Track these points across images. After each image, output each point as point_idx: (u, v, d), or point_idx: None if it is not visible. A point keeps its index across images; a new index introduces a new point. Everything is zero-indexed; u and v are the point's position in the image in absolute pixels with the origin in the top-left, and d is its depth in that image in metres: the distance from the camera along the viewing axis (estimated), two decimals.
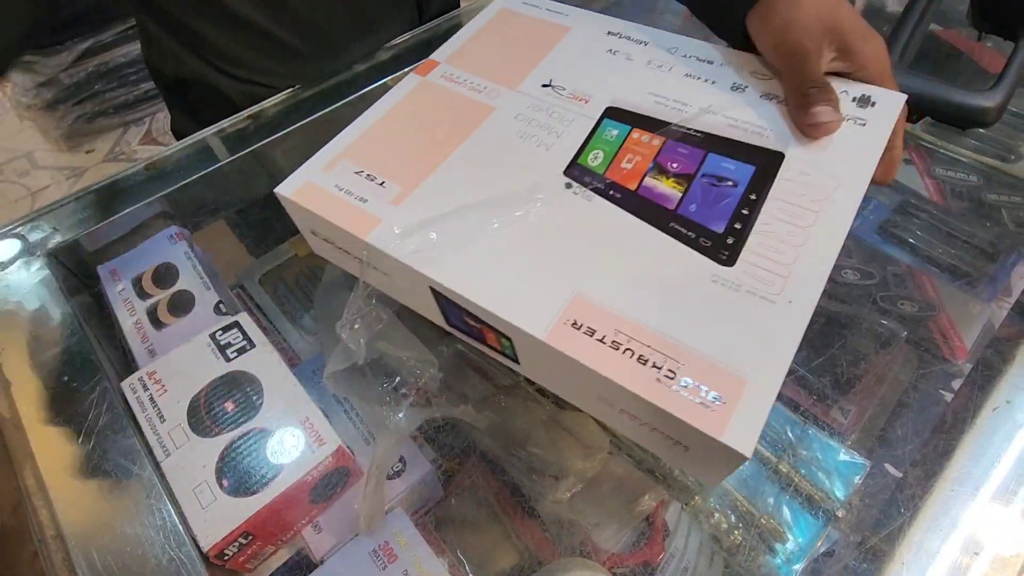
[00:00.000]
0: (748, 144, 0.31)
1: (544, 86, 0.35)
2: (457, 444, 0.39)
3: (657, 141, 0.32)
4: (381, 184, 0.31)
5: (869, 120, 0.31)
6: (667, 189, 0.30)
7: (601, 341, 0.25)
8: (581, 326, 0.25)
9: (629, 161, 0.31)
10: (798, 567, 0.36)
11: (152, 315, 0.37)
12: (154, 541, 0.27)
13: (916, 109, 0.40)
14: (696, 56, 0.35)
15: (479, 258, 0.28)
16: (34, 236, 0.40)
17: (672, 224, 0.28)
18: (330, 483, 0.31)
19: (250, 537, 0.28)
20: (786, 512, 0.38)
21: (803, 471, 0.40)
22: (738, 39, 0.34)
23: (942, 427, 0.33)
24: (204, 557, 0.27)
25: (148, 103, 1.92)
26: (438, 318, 0.32)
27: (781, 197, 0.29)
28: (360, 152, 0.33)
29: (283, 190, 0.32)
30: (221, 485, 0.28)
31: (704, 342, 0.24)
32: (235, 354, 0.33)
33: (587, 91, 0.35)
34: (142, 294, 0.38)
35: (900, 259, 0.51)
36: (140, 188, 0.43)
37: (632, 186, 0.30)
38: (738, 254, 0.27)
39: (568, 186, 0.30)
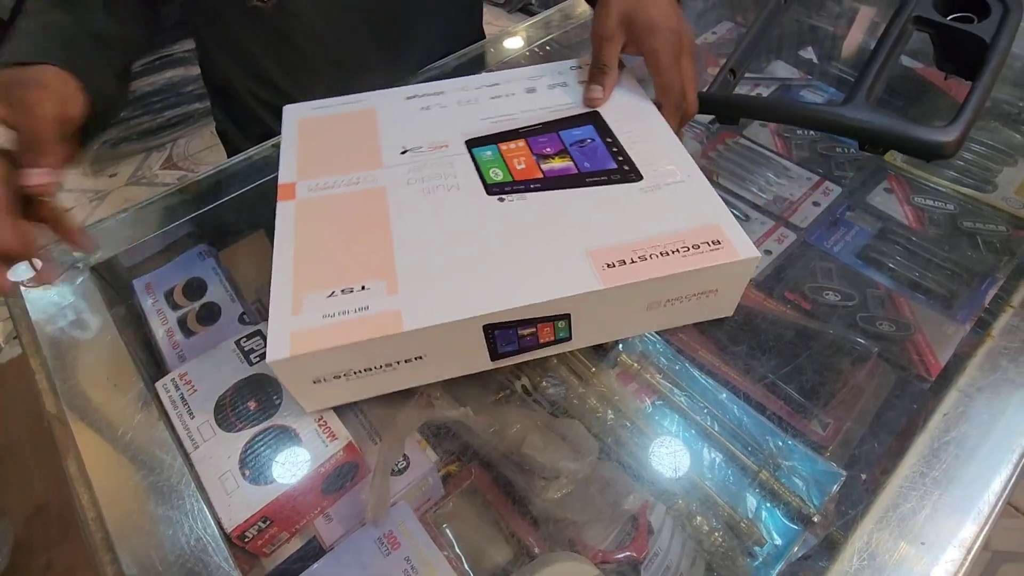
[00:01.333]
0: (572, 116, 0.41)
1: (403, 153, 0.39)
2: (455, 447, 0.42)
3: (521, 143, 0.39)
4: (364, 288, 0.31)
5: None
6: (561, 164, 0.38)
7: (633, 262, 0.32)
8: (614, 263, 0.32)
9: (519, 163, 0.38)
10: (776, 569, 0.38)
11: (182, 324, 0.41)
12: (183, 523, 0.30)
13: (882, 143, 0.43)
14: (483, 84, 0.44)
15: (499, 277, 0.32)
16: (79, 252, 0.44)
17: (587, 179, 0.37)
18: (340, 476, 0.34)
19: (268, 522, 0.31)
20: (765, 517, 0.41)
21: (783, 479, 0.42)
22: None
23: (907, 435, 0.36)
24: (227, 538, 0.30)
25: (170, 130, 2.00)
26: (482, 361, 0.34)
27: (620, 129, 0.40)
28: (310, 281, 0.32)
29: (276, 355, 0.29)
30: (244, 474, 0.32)
31: (679, 222, 0.34)
32: (257, 359, 0.37)
33: (438, 140, 0.39)
34: (174, 305, 0.42)
35: (879, 282, 0.54)
36: (173, 209, 0.47)
37: (539, 175, 0.37)
38: (639, 171, 0.37)
39: (500, 200, 0.36)
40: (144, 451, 0.33)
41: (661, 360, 0.48)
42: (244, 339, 0.38)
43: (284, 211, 0.36)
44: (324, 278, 0.32)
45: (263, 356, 0.37)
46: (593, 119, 0.41)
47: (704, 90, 0.46)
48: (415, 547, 0.32)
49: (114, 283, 0.44)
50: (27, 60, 0.33)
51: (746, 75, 0.56)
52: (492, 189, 0.36)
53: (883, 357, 0.49)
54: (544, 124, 0.41)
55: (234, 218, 0.50)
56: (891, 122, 0.41)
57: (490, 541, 0.38)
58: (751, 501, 0.41)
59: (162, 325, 0.41)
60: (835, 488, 0.42)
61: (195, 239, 0.47)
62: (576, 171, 0.37)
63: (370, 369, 0.31)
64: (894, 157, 0.63)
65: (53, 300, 0.41)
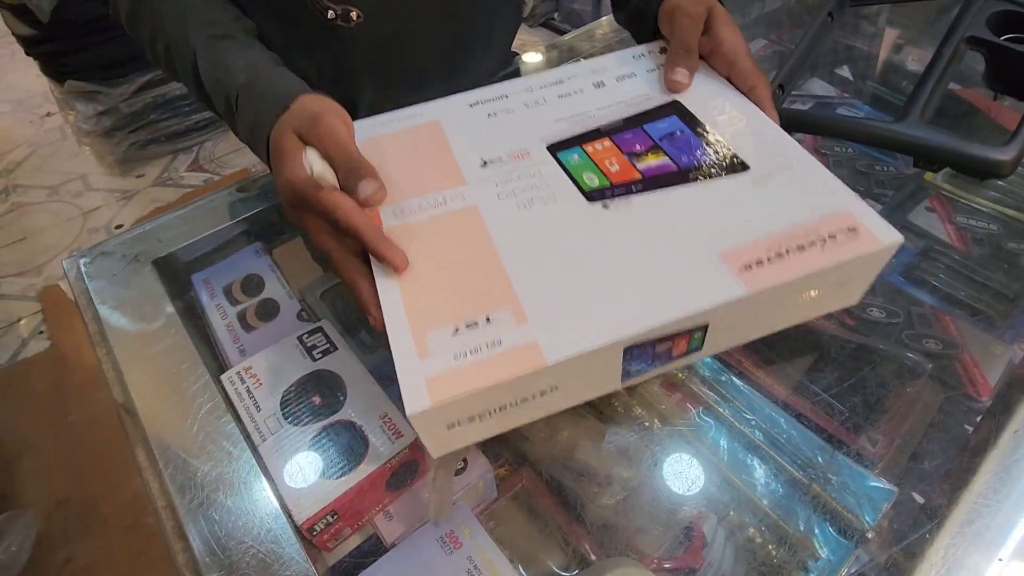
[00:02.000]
0: (653, 108, 0.39)
1: (483, 166, 0.36)
2: (505, 451, 0.42)
3: (607, 142, 0.37)
4: (489, 320, 0.29)
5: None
6: (657, 161, 0.35)
7: (771, 260, 0.29)
8: (751, 265, 0.29)
9: (612, 165, 0.35)
10: None
11: (242, 319, 0.42)
12: (253, 513, 0.31)
13: (937, 160, 0.43)
14: (547, 83, 0.42)
15: (633, 293, 0.29)
16: (140, 246, 0.45)
17: (691, 175, 0.34)
18: (404, 474, 0.34)
19: (336, 516, 0.32)
20: (817, 532, 0.40)
21: (833, 494, 0.42)
22: (651, 29, 0.44)
23: (966, 450, 0.36)
24: (297, 530, 0.30)
25: (197, 132, 2.04)
26: (612, 383, 0.32)
27: (708, 117, 0.37)
28: (428, 317, 0.29)
29: (417, 407, 0.26)
30: (312, 468, 0.32)
31: (805, 212, 0.31)
32: (320, 355, 0.37)
33: (517, 148, 0.37)
34: (232, 301, 0.43)
35: (924, 300, 0.54)
36: (231, 207, 0.48)
37: (637, 176, 0.35)
38: (743, 160, 0.34)
39: (605, 207, 0.33)
40: (212, 441, 0.33)
41: (705, 371, 0.48)
42: (307, 335, 0.38)
43: None
44: (442, 313, 0.29)
45: (326, 352, 0.37)
46: (676, 109, 0.38)
47: None
48: (477, 547, 0.32)
49: (173, 277, 0.45)
50: (289, 99, 0.35)
51: None
52: (592, 196, 0.34)
53: (931, 375, 0.49)
54: (625, 120, 0.38)
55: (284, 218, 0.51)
56: (948, 139, 0.42)
57: (543, 544, 0.38)
58: (803, 515, 0.41)
59: (222, 319, 0.42)
60: (887, 505, 0.41)
61: (249, 237, 0.48)
62: (676, 168, 0.35)
63: (505, 407, 0.29)
64: (934, 176, 0.64)
65: (117, 292, 0.41)
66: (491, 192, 0.34)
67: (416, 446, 0.33)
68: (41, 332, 1.43)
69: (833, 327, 0.52)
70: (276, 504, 0.31)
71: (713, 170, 0.34)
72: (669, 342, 0.30)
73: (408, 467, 0.34)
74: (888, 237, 0.30)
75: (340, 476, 0.32)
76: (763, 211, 0.32)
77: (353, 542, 0.35)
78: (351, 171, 0.31)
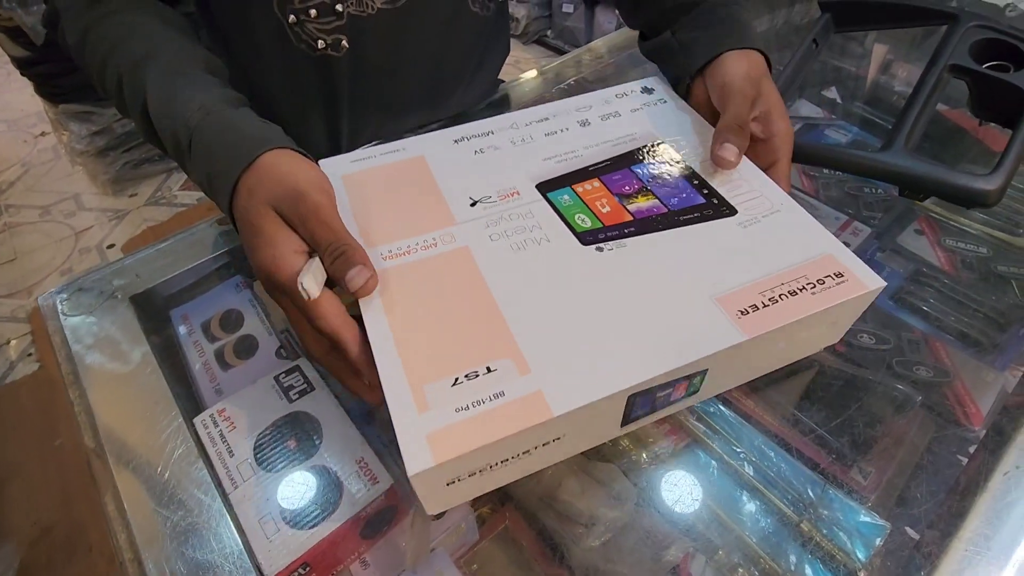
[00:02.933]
0: (639, 148, 0.39)
1: (472, 205, 0.35)
2: (488, 492, 0.41)
3: (596, 183, 0.37)
4: (489, 370, 0.28)
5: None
6: (647, 203, 0.35)
7: (766, 305, 0.30)
8: (747, 310, 0.30)
9: (603, 206, 0.35)
10: None
11: (219, 357, 0.41)
12: (222, 567, 0.30)
13: (923, 190, 0.43)
14: (532, 120, 0.42)
15: (634, 340, 0.29)
16: (118, 281, 0.44)
17: (680, 218, 0.34)
18: (380, 521, 0.33)
19: (308, 568, 0.31)
20: (808, 571, 0.39)
21: (824, 531, 0.41)
22: (684, 87, 0.43)
23: (956, 490, 0.35)
24: None
25: None
26: (612, 429, 0.31)
27: (694, 151, 0.38)
28: (425, 369, 0.28)
29: (418, 466, 0.25)
30: (284, 517, 0.31)
31: (793, 256, 0.32)
32: (296, 396, 0.36)
33: (506, 187, 0.36)
34: (211, 337, 0.42)
35: (914, 326, 0.54)
36: (211, 240, 0.47)
37: (629, 218, 0.35)
38: (730, 204, 0.35)
39: (599, 250, 0.33)
40: (183, 489, 0.32)
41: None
42: (283, 375, 0.37)
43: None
44: (440, 364, 0.28)
45: (302, 393, 0.36)
46: (663, 152, 0.39)
47: None
48: None
49: (151, 313, 0.44)
50: (253, 153, 0.32)
51: None
52: (586, 239, 0.33)
53: (922, 404, 0.48)
54: (612, 160, 0.38)
55: None
56: (932, 169, 0.41)
57: None
58: (793, 553, 0.40)
59: (199, 357, 0.41)
60: (879, 541, 0.40)
61: (229, 271, 0.47)
62: (666, 210, 0.35)
63: (507, 460, 0.28)
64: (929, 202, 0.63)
65: (92, 330, 0.41)
66: (482, 233, 0.34)
67: (393, 492, 0.32)
68: (30, 354, 1.41)
69: (822, 354, 0.51)
70: (246, 556, 0.30)
71: (701, 213, 0.35)
72: (670, 388, 0.30)
73: (384, 514, 0.33)
74: (872, 283, 0.31)
75: (313, 526, 0.31)
76: (753, 256, 0.32)
77: None
78: (339, 256, 0.29)
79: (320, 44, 0.47)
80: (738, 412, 0.47)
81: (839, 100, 0.79)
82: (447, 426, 0.26)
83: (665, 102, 0.43)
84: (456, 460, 0.25)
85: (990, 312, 0.54)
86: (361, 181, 0.37)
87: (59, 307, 0.42)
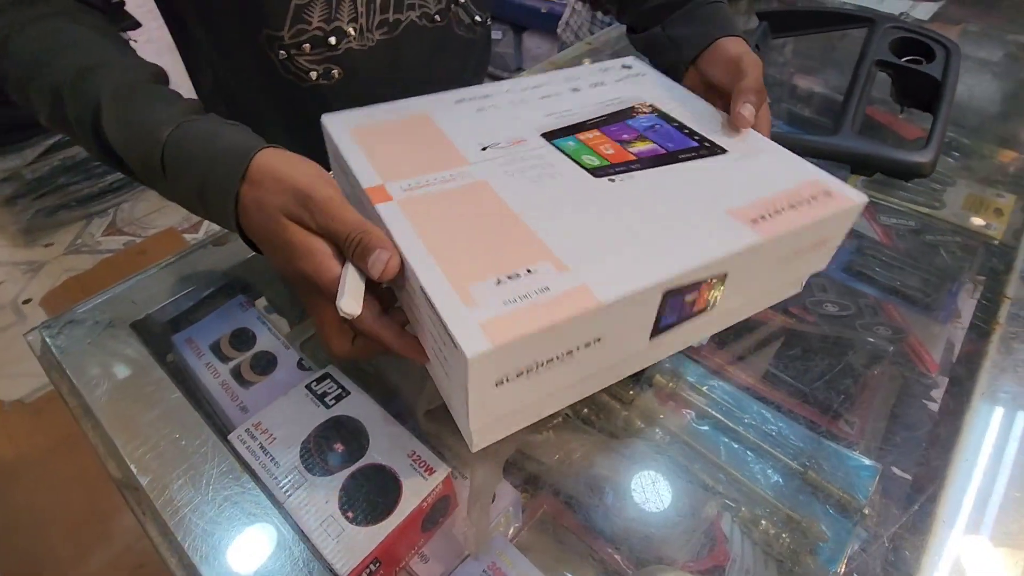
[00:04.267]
0: (630, 107, 0.43)
1: (483, 149, 0.36)
2: (523, 479, 0.42)
3: (597, 132, 0.40)
4: (530, 271, 0.28)
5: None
6: (645, 146, 0.38)
7: (772, 216, 0.33)
8: (757, 219, 0.32)
9: (607, 149, 0.38)
10: (840, 561, 0.40)
11: (237, 375, 0.40)
12: (294, 571, 0.29)
13: (871, 166, 0.49)
14: (527, 87, 0.45)
15: (663, 244, 0.31)
16: (112, 310, 0.42)
17: (678, 156, 0.38)
18: (438, 511, 0.33)
19: (378, 564, 0.30)
20: (820, 515, 0.43)
21: (827, 479, 0.45)
22: (679, 74, 0.48)
23: (935, 433, 0.40)
24: None
25: (113, 194, 1.92)
26: (642, 342, 0.32)
27: (680, 115, 0.42)
28: (465, 272, 0.28)
29: (477, 348, 0.25)
30: (347, 517, 0.31)
31: (786, 182, 0.36)
32: (333, 401, 0.36)
33: (512, 136, 0.38)
34: (222, 358, 0.41)
35: (868, 292, 0.60)
36: (208, 263, 0.46)
37: (632, 157, 0.37)
38: (719, 145, 0.39)
39: (611, 180, 0.35)
40: (232, 504, 0.31)
41: (691, 377, 0.51)
42: (314, 383, 0.37)
43: (388, 212, 0.31)
44: (480, 267, 0.28)
45: (338, 398, 0.36)
46: (652, 109, 0.42)
47: None
48: (522, 574, 0.32)
49: (150, 341, 0.42)
50: (244, 160, 0.30)
51: None
52: (597, 173, 0.35)
53: (887, 359, 0.54)
54: (607, 115, 0.41)
55: (268, 267, 0.49)
56: (878, 148, 0.47)
57: (576, 565, 0.38)
58: (804, 501, 0.43)
59: (214, 378, 0.40)
60: (875, 481, 0.45)
61: (231, 291, 0.46)
62: (665, 151, 0.38)
63: (551, 360, 0.28)
64: (856, 182, 0.71)
65: (95, 361, 0.39)
66: (498, 169, 0.35)
67: (449, 481, 0.33)
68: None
69: (798, 324, 0.57)
70: (314, 561, 0.30)
71: (696, 153, 0.38)
72: (696, 291, 0.31)
73: (440, 505, 0.33)
74: (857, 198, 0.35)
75: (377, 522, 0.31)
76: (750, 182, 0.36)
77: None
78: (357, 246, 0.29)
79: (312, 75, 0.48)
80: (734, 383, 0.51)
81: (768, 100, 0.87)
82: (498, 316, 0.26)
83: (645, 75, 0.47)
84: (512, 345, 0.25)
85: (925, 275, 0.62)
86: (371, 132, 0.38)
87: (49, 343, 0.40)
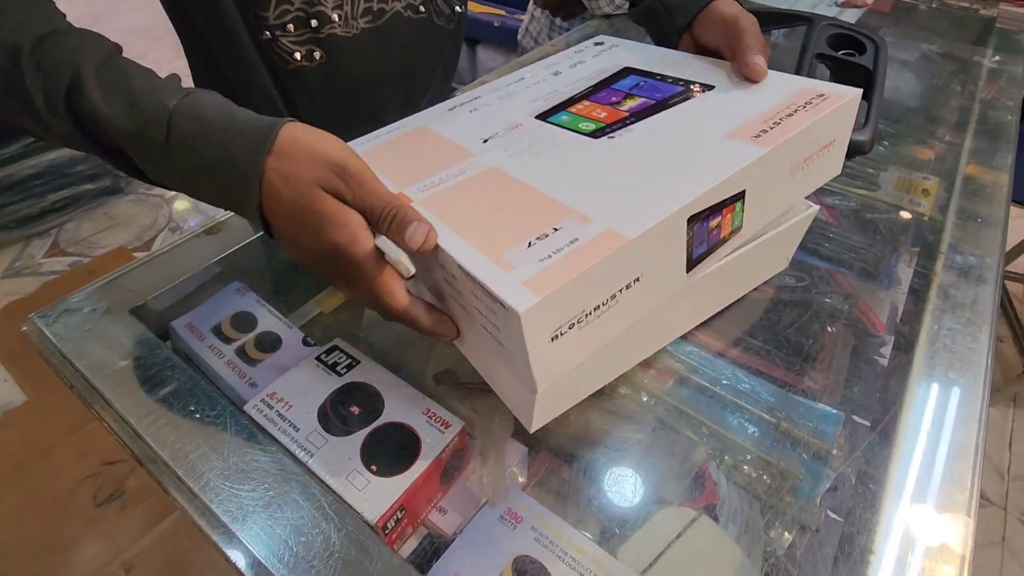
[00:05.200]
0: (611, 75, 0.45)
1: (485, 141, 0.38)
2: (521, 439, 0.44)
3: (587, 102, 0.42)
4: (557, 229, 0.29)
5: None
6: (637, 102, 0.41)
7: (772, 128, 0.35)
8: (759, 134, 0.34)
9: (599, 114, 0.40)
10: (817, 495, 0.44)
11: (242, 354, 0.41)
12: (320, 524, 0.30)
13: None
14: (511, 82, 0.47)
15: (676, 175, 0.32)
16: (108, 298, 0.42)
17: (669, 102, 0.40)
18: (454, 465, 0.35)
19: (404, 511, 0.32)
20: (794, 459, 0.47)
21: (797, 427, 0.49)
22: (672, 41, 0.51)
23: (887, 380, 0.45)
24: (372, 531, 0.30)
25: (55, 214, 1.84)
26: (679, 275, 0.33)
27: (660, 69, 0.44)
28: (498, 243, 0.29)
29: (526, 303, 0.26)
30: (371, 470, 0.32)
31: (780, 96, 0.38)
32: (345, 370, 0.38)
33: (509, 124, 0.40)
34: (225, 339, 0.42)
35: (820, 265, 0.66)
36: (202, 251, 0.47)
37: (626, 114, 0.39)
38: (706, 83, 0.41)
39: (610, 138, 0.37)
40: (257, 468, 0.32)
41: (672, 348, 0.54)
42: (324, 354, 0.38)
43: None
44: (508, 236, 0.29)
45: (349, 367, 0.38)
46: (631, 71, 0.45)
47: None
48: (538, 517, 0.34)
49: (149, 326, 0.43)
50: (271, 132, 0.30)
51: None
52: (595, 135, 0.37)
53: (841, 322, 0.60)
54: (593, 86, 0.43)
55: (262, 254, 0.50)
56: None
57: (581, 515, 0.41)
58: (779, 448, 0.47)
59: (219, 358, 0.40)
60: (839, 428, 0.49)
61: (227, 278, 0.47)
62: (655, 102, 0.40)
63: (598, 307, 0.29)
64: None
65: (97, 344, 0.39)
66: (503, 153, 0.36)
67: (464, 433, 0.35)
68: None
69: (758, 295, 0.61)
70: (343, 510, 0.31)
71: (686, 93, 0.40)
72: (719, 215, 0.33)
73: (456, 458, 0.35)
74: (850, 92, 0.37)
75: (401, 472, 0.32)
76: (744, 105, 0.38)
77: (410, 546, 0.35)
78: (393, 219, 0.29)
79: (296, 56, 0.49)
80: (710, 350, 0.55)
81: None
82: (538, 272, 0.27)
83: (617, 46, 0.50)
84: (557, 294, 0.26)
85: (867, 248, 0.68)
86: (376, 152, 0.40)
87: (46, 331, 0.40)
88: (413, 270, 0.30)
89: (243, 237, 0.48)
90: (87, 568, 1.02)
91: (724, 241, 0.35)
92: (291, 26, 0.47)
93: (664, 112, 0.38)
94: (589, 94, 0.43)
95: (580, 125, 0.39)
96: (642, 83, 0.42)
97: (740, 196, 0.34)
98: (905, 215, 0.71)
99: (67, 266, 1.73)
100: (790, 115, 0.35)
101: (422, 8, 0.54)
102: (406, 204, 0.30)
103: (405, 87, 0.58)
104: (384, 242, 0.30)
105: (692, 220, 0.31)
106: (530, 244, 0.29)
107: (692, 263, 0.33)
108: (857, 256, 0.67)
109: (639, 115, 0.39)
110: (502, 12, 2.09)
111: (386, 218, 0.29)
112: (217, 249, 0.47)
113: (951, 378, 0.47)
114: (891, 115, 0.88)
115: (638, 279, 0.30)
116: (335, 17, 0.48)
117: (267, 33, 0.47)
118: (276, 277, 0.56)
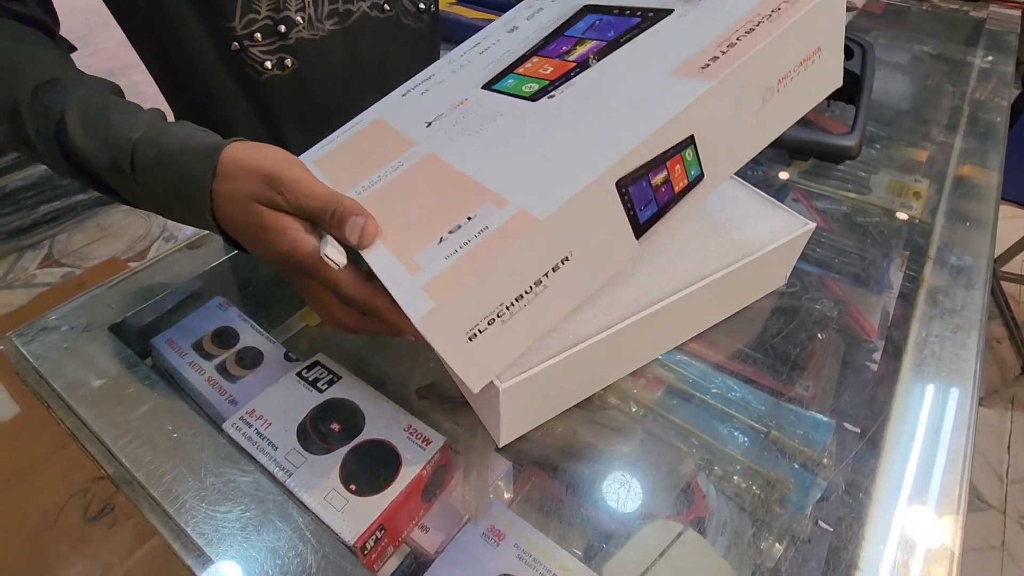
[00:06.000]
0: (567, 19, 0.42)
1: (428, 126, 0.37)
2: (507, 453, 0.44)
3: (535, 59, 0.39)
4: (471, 218, 0.28)
5: None
6: (587, 47, 0.37)
7: (724, 52, 0.30)
8: (707, 64, 0.30)
9: (545, 70, 0.37)
10: (807, 507, 0.44)
11: (223, 370, 0.40)
12: (296, 547, 0.30)
13: (807, 152, 0.54)
14: (466, 49, 0.45)
15: (604, 133, 0.29)
16: (87, 315, 0.41)
17: (620, 40, 0.36)
18: (436, 482, 0.35)
19: (383, 531, 0.31)
20: (784, 469, 0.46)
21: (788, 436, 0.49)
22: None
23: (877, 386, 0.45)
24: (350, 552, 0.30)
25: (47, 225, 1.83)
26: (627, 243, 0.30)
27: (620, 4, 0.40)
28: (410, 245, 0.29)
29: (420, 313, 0.25)
30: (350, 490, 0.32)
31: (740, 9, 0.32)
32: (326, 385, 0.37)
33: (455, 101, 0.38)
34: (206, 356, 0.41)
35: (810, 270, 0.65)
36: (183, 267, 0.46)
37: (572, 65, 0.36)
38: (663, 9, 0.37)
39: (551, 98, 0.34)
40: (234, 488, 0.32)
41: (662, 357, 0.54)
42: (305, 370, 0.38)
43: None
44: (423, 233, 0.28)
45: (330, 383, 0.37)
46: (589, 9, 0.40)
47: None
48: (521, 534, 0.34)
49: (131, 343, 0.42)
50: (214, 153, 0.31)
51: None
52: (535, 97, 0.34)
53: (832, 327, 0.59)
54: (545, 37, 0.40)
55: (246, 268, 0.50)
56: (812, 135, 0.53)
57: (566, 530, 0.40)
58: (769, 458, 0.47)
59: (199, 375, 0.40)
60: (830, 436, 0.49)
61: (208, 294, 0.47)
62: (605, 42, 0.36)
63: (521, 297, 0.27)
64: (792, 175, 0.78)
65: (75, 362, 0.38)
66: (441, 138, 0.35)
67: (446, 449, 0.34)
68: None
69: (756, 303, 0.61)
70: (321, 532, 0.30)
71: (642, 25, 0.36)
72: (662, 169, 0.28)
73: (439, 474, 0.35)
74: None
75: (379, 491, 0.32)
76: (700, 29, 0.32)
77: (390, 566, 0.34)
78: (332, 216, 0.29)
79: (268, 65, 0.49)
80: (700, 358, 0.54)
81: None
82: (440, 273, 0.26)
83: None
84: (456, 296, 0.25)
85: (859, 252, 0.68)
86: (331, 156, 0.39)
87: (23, 350, 0.39)
88: (344, 262, 0.28)
89: (226, 251, 0.47)
90: None
91: (683, 194, 0.31)
92: (259, 35, 0.47)
93: (615, 53, 0.35)
94: (540, 48, 0.39)
95: (524, 88, 0.36)
96: (597, 22, 0.39)
97: (689, 142, 0.29)
98: (896, 218, 0.71)
99: (60, 278, 1.72)
100: (749, 31, 0.30)
101: (387, 7, 0.53)
102: (345, 199, 0.30)
103: (380, 89, 0.58)
104: (326, 241, 0.29)
105: (624, 183, 0.28)
106: (441, 240, 0.28)
107: (641, 228, 0.30)
108: (848, 261, 0.66)
109: (584, 65, 0.35)
110: (495, 18, 2.09)
111: (325, 217, 0.29)
112: (200, 264, 0.46)
113: (939, 384, 0.46)
114: (883, 118, 0.88)
115: (567, 259, 0.28)
116: (299, 19, 0.48)
117: (235, 44, 0.47)
118: (260, 291, 0.56)
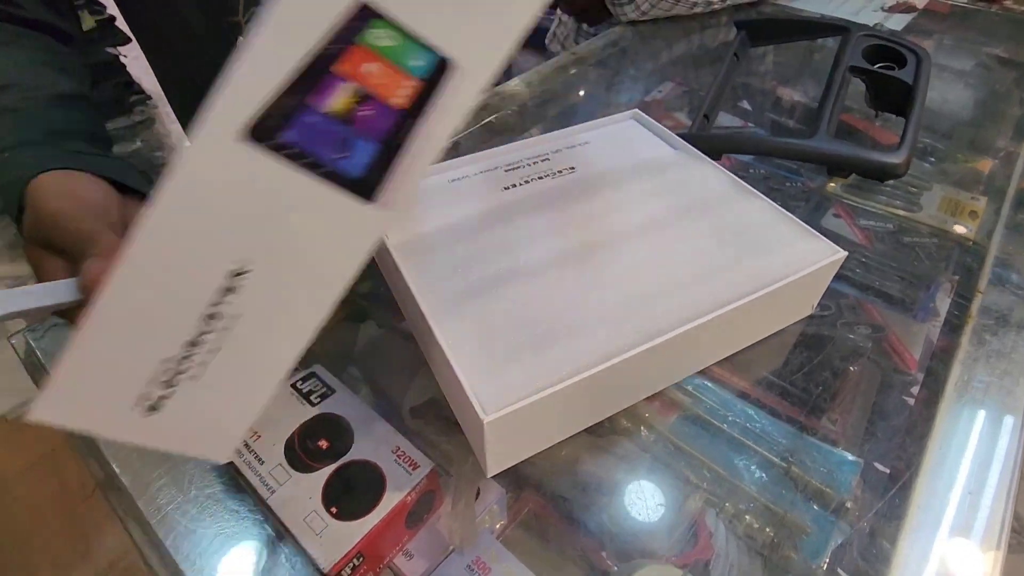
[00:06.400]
0: None
1: None
2: (508, 478, 0.42)
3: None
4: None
5: None
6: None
7: None
8: None
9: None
10: (824, 555, 0.41)
11: None
12: (276, 567, 0.29)
13: (847, 167, 0.50)
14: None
15: None
16: None
17: None
18: (423, 507, 0.34)
19: (362, 559, 0.30)
20: (803, 510, 0.43)
21: (810, 474, 0.45)
22: None
23: (912, 426, 0.41)
24: None
25: None
26: (340, 203, 0.21)
27: None
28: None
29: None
30: (330, 512, 0.31)
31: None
32: (318, 399, 0.36)
33: None
34: None
35: (848, 292, 0.61)
36: None
37: None
38: None
39: None
40: (215, 503, 0.31)
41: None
42: (300, 381, 0.37)
43: None
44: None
45: (324, 396, 0.36)
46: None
47: (687, 131, 0.52)
48: (506, 570, 0.32)
49: None
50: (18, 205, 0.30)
51: None
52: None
53: (867, 357, 0.55)
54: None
55: None
56: (853, 150, 0.49)
57: (561, 563, 0.38)
58: (787, 497, 0.44)
59: None
60: (856, 476, 0.45)
61: None
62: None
63: (196, 343, 0.22)
64: (836, 187, 0.73)
65: None
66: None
67: (434, 474, 0.33)
68: None
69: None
70: (297, 556, 0.30)
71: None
72: (334, 82, 0.18)
73: (425, 500, 0.34)
74: None
75: (360, 516, 0.31)
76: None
77: None
78: (79, 255, 0.27)
79: None
80: (721, 383, 0.51)
81: (750, 109, 0.89)
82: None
83: None
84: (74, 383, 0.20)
85: (904, 275, 0.63)
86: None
87: (34, 346, 0.40)
88: None
89: None
90: (108, 556, 1.05)
91: (423, 103, 0.19)
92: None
93: None
94: None
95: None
96: None
97: (366, 14, 0.18)
98: (948, 239, 0.65)
99: None
100: None
101: None
102: (96, 240, 0.26)
103: None
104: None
105: (263, 130, 0.18)
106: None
107: (363, 181, 0.20)
108: (891, 284, 0.62)
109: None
110: None
111: (78, 255, 0.27)
112: None
113: (984, 427, 0.42)
114: (940, 128, 0.82)
115: (240, 272, 0.20)
116: None
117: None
118: None
